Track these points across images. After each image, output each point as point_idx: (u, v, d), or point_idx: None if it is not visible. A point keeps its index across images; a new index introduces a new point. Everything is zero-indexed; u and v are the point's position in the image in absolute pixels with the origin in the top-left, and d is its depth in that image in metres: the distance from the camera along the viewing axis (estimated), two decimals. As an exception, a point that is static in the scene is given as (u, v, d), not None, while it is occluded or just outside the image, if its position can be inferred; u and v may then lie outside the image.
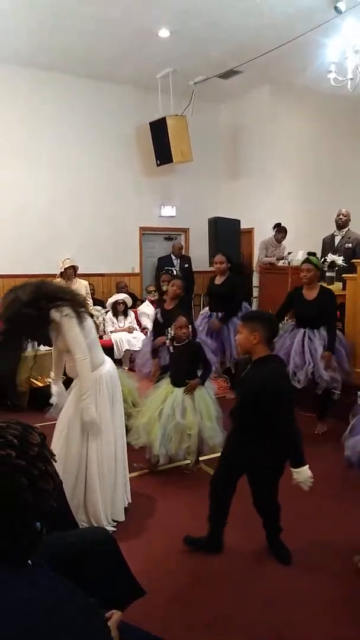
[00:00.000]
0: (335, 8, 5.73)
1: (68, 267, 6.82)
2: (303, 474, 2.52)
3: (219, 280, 5.64)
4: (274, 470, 2.67)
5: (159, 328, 4.65)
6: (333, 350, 4.45)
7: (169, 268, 6.53)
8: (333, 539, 2.98)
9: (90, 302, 6.57)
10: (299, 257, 7.58)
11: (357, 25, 5.23)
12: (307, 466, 2.55)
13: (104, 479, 3.00)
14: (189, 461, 3.87)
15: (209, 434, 3.68)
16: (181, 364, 3.90)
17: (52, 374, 3.70)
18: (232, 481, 2.77)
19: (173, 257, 8.59)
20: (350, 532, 3.02)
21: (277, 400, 2.49)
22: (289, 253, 7.46)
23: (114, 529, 3.01)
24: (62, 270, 6.78)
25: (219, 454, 3.80)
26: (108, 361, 3.16)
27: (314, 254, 4.87)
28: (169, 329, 4.25)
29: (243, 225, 8.26)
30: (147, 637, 1.59)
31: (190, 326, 4.02)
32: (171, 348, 4.06)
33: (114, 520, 3.09)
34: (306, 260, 4.69)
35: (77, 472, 2.94)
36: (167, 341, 4.23)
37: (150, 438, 3.69)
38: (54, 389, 3.34)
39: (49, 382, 3.75)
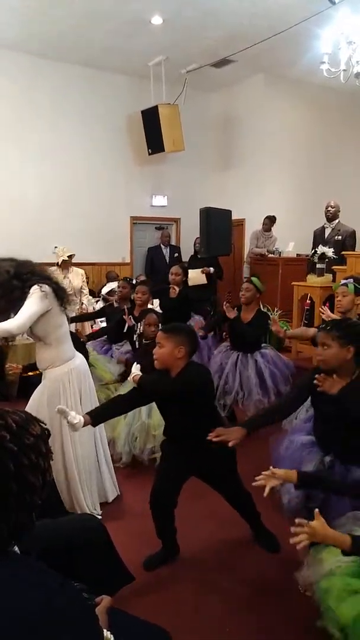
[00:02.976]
0: (329, -2, 5.71)
1: (70, 254, 6.60)
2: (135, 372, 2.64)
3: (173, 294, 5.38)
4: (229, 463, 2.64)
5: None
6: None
7: (129, 278, 6.39)
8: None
9: (86, 290, 6.51)
10: (289, 248, 7.63)
11: (350, 16, 5.20)
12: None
13: (82, 467, 2.97)
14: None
15: None
16: (149, 361, 3.80)
17: None
18: (177, 491, 2.64)
19: (162, 247, 8.58)
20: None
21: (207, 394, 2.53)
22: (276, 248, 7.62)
23: (99, 516, 3.03)
24: (65, 258, 6.50)
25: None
26: (79, 357, 3.09)
27: (257, 277, 4.75)
28: (139, 324, 4.08)
29: (234, 216, 8.26)
30: (136, 621, 1.62)
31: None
32: (137, 344, 3.97)
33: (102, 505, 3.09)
34: (248, 280, 4.54)
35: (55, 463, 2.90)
36: (135, 335, 4.09)
37: (114, 434, 3.65)
38: None
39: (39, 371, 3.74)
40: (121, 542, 2.16)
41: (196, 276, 6.84)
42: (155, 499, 2.59)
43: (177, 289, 5.30)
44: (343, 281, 3.72)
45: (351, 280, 3.62)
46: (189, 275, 6.21)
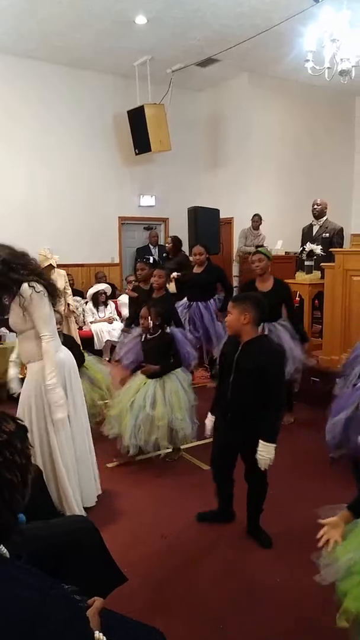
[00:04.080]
0: (313, -4, 5.74)
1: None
2: (270, 450, 2.60)
3: (198, 270, 5.64)
4: None
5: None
6: (307, 339, 4.50)
7: (147, 257, 6.47)
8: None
9: (69, 291, 6.46)
10: (278, 246, 7.66)
11: (333, 14, 5.23)
12: (275, 446, 2.62)
13: (69, 466, 2.94)
14: (167, 451, 3.89)
15: (179, 425, 3.68)
16: (153, 356, 3.88)
17: (13, 356, 3.66)
18: (228, 460, 2.88)
19: (151, 247, 8.58)
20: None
21: (278, 379, 2.64)
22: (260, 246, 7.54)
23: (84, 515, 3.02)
24: (54, 264, 6.44)
25: (199, 443, 3.88)
26: (63, 350, 3.08)
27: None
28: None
29: (222, 215, 8.27)
30: (128, 622, 1.61)
31: (160, 317, 3.95)
32: (142, 337, 4.04)
33: (85, 508, 3.04)
34: (256, 252, 4.58)
35: (43, 461, 2.89)
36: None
37: (122, 429, 3.69)
38: (11, 372, 3.29)
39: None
40: (114, 542, 2.16)
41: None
42: (212, 461, 2.98)
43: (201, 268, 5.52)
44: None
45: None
46: None
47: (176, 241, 7.13)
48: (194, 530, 2.97)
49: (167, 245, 7.27)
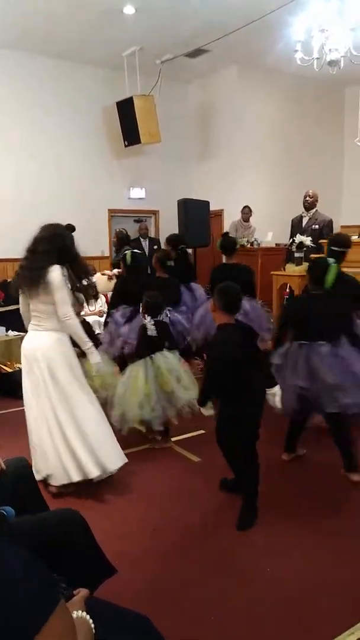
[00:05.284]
0: (302, -14, 5.71)
1: None
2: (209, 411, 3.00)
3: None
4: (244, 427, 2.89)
5: None
6: None
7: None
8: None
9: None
10: (268, 238, 7.66)
11: (322, 4, 5.21)
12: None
13: (79, 431, 3.17)
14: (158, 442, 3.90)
15: (185, 395, 3.63)
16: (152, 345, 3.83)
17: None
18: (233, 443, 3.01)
19: (141, 239, 8.54)
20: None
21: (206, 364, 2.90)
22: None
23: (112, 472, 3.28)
24: None
25: (190, 435, 3.89)
26: (26, 337, 3.34)
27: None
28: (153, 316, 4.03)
29: (213, 207, 8.25)
30: (115, 609, 1.60)
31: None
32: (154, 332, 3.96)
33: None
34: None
35: (50, 432, 3.16)
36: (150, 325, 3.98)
37: (128, 406, 3.59)
38: None
39: (18, 367, 3.73)
40: (104, 535, 2.16)
41: (100, 282, 6.06)
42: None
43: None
44: None
45: None
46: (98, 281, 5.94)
47: (121, 236, 6.93)
48: (184, 522, 2.97)
49: (113, 239, 7.01)
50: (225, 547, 2.74)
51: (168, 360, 3.72)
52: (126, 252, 5.01)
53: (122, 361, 4.34)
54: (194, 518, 3.01)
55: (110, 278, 6.11)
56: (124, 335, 4.43)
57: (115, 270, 6.12)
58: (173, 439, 4.04)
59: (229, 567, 2.58)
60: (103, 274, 6.28)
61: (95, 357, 3.31)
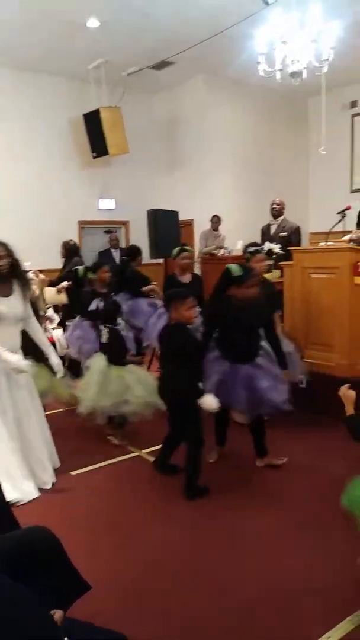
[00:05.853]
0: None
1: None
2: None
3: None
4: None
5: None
6: None
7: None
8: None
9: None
10: (238, 246, 7.71)
11: (283, 16, 5.31)
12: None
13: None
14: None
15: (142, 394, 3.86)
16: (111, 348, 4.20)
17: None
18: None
19: (112, 250, 8.52)
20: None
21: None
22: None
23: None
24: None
25: (158, 447, 3.89)
26: None
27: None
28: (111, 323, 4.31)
29: (183, 217, 8.29)
30: (92, 629, 1.58)
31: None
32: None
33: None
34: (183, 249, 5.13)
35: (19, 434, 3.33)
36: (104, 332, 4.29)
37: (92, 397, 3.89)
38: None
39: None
40: (75, 550, 2.11)
41: (52, 295, 6.24)
42: None
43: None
44: (252, 249, 4.72)
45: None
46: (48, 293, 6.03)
47: (69, 247, 6.86)
48: (157, 533, 2.94)
49: (61, 250, 6.94)
50: (202, 561, 2.71)
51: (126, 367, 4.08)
52: (78, 267, 5.23)
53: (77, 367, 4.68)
54: (170, 531, 2.98)
55: (59, 291, 6.15)
56: (74, 343, 4.81)
57: (64, 283, 6.12)
58: (145, 450, 4.01)
59: (206, 581, 2.55)
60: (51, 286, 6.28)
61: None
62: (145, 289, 5.78)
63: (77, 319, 4.87)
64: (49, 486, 3.45)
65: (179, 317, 3.37)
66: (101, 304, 4.34)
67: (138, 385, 3.90)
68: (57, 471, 3.62)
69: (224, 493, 3.34)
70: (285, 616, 2.25)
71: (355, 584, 2.41)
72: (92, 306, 4.40)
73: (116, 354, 4.11)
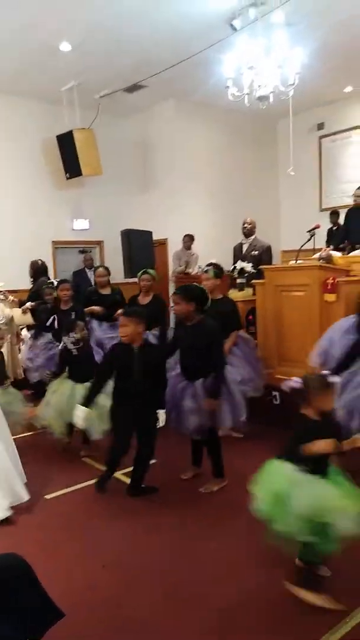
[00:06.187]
0: (231, 26, 5.99)
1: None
2: None
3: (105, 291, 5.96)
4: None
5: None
6: None
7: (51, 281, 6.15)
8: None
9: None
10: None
11: (250, 42, 5.48)
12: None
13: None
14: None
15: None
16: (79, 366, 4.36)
17: None
18: None
19: (87, 270, 8.52)
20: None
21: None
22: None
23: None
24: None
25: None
26: None
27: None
28: (72, 332, 4.40)
29: (157, 236, 8.36)
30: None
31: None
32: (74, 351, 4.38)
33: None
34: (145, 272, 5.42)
35: None
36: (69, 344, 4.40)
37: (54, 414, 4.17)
38: None
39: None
40: (48, 577, 2.09)
41: (17, 316, 6.19)
42: None
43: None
44: (205, 267, 4.82)
45: (212, 267, 4.71)
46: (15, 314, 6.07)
47: (36, 266, 6.85)
48: (137, 556, 2.92)
49: (30, 270, 6.95)
50: (177, 582, 2.70)
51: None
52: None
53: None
54: (146, 553, 2.96)
55: (24, 312, 6.16)
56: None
57: (28, 304, 6.16)
58: (122, 471, 3.98)
59: (183, 603, 2.53)
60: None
61: None
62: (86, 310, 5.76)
63: (29, 337, 5.17)
64: (25, 499, 3.40)
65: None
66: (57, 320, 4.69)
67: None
68: (30, 494, 3.56)
69: (206, 514, 3.33)
70: (286, 616, 2.25)
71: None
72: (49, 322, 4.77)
73: (84, 370, 4.22)
